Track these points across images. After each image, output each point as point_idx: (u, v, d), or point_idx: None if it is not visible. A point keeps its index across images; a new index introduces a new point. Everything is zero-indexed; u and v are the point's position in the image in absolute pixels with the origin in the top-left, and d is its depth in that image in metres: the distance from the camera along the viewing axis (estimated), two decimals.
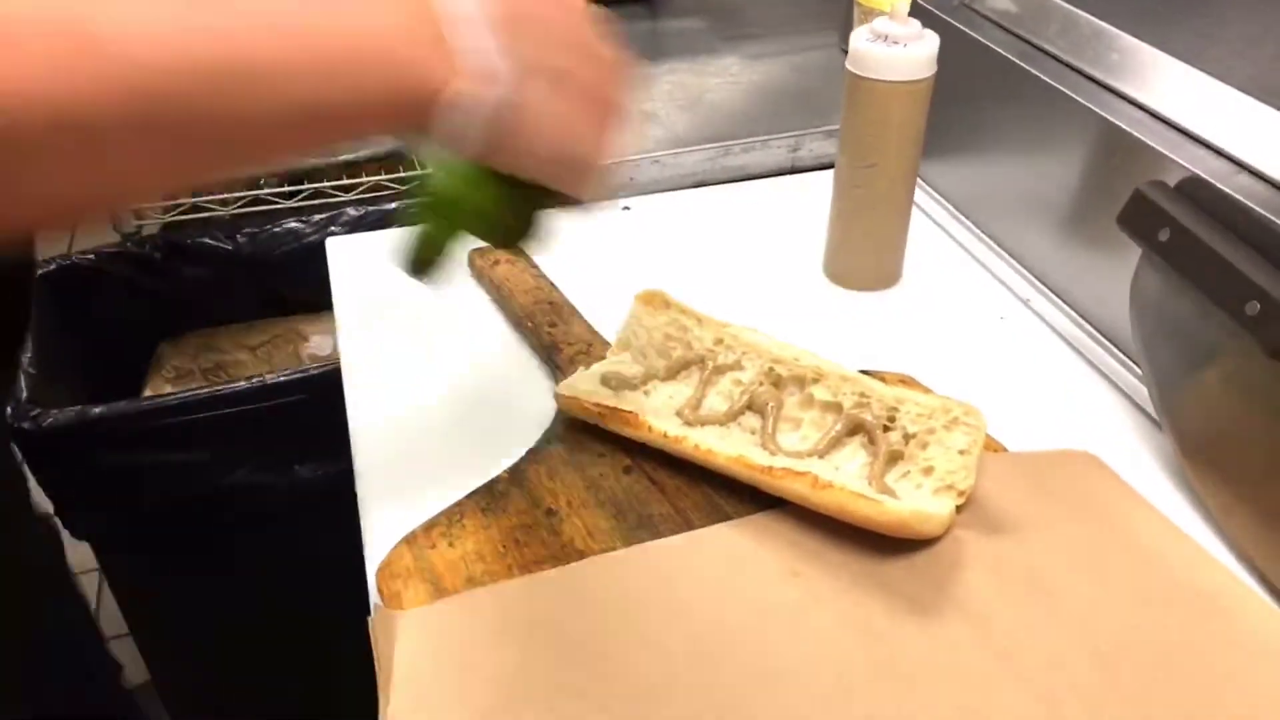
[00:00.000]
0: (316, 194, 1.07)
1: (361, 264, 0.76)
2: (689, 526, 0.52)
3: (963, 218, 0.79)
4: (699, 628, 0.47)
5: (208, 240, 1.02)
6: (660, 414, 0.56)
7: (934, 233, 0.79)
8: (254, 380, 0.84)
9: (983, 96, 0.75)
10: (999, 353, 0.67)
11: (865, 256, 0.72)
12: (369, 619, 0.47)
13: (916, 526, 0.49)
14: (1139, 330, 0.59)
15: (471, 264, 0.73)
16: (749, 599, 0.48)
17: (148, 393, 0.99)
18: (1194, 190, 0.57)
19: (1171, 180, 0.58)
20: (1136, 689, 0.45)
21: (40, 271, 0.96)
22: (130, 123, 0.30)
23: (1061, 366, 0.66)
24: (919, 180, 0.85)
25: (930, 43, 0.64)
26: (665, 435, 0.54)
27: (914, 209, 0.81)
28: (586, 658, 0.46)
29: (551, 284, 0.70)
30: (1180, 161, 0.58)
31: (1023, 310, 0.71)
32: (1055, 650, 0.47)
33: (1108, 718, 0.44)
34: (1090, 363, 0.66)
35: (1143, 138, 0.60)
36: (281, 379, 0.83)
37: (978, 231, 0.77)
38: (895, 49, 0.64)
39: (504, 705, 0.44)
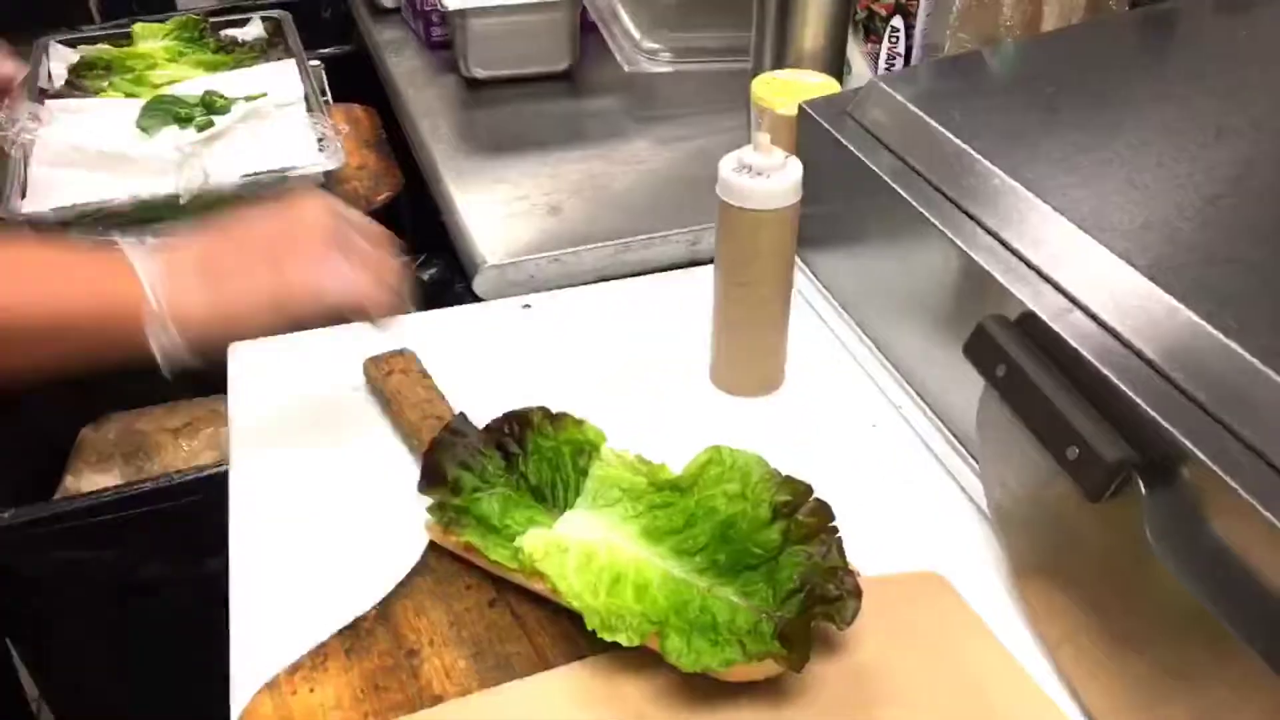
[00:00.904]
0: None
1: (264, 371, 0.78)
2: (545, 665, 0.55)
3: (846, 316, 0.82)
4: None
5: None
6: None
7: (820, 332, 0.82)
8: (161, 479, 0.86)
9: (860, 203, 0.78)
10: (868, 462, 0.70)
11: (745, 366, 0.75)
12: None
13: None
14: (983, 454, 0.62)
15: (366, 373, 0.76)
16: None
17: (69, 479, 1.00)
18: (1030, 327, 0.59)
19: (1012, 314, 0.61)
20: None
21: None
22: None
23: (926, 479, 0.69)
24: (803, 266, 0.88)
25: (793, 171, 0.67)
26: (511, 566, 0.56)
27: (804, 304, 0.84)
28: None
29: (440, 394, 0.72)
30: (1018, 295, 0.60)
31: (896, 417, 0.74)
32: None
33: None
34: (952, 476, 0.69)
35: (988, 268, 0.63)
36: (179, 481, 0.85)
37: (859, 332, 0.80)
38: (759, 180, 0.66)
39: None
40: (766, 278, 0.70)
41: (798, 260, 0.88)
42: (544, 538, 0.56)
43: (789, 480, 0.57)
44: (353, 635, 0.56)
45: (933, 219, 0.68)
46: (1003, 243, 0.65)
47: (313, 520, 0.65)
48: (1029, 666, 0.56)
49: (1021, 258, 0.63)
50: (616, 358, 0.79)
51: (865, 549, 0.61)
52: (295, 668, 0.54)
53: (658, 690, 0.53)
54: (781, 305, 0.72)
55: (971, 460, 0.68)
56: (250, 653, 0.56)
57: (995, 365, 0.59)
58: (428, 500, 0.61)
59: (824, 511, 0.56)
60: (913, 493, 0.68)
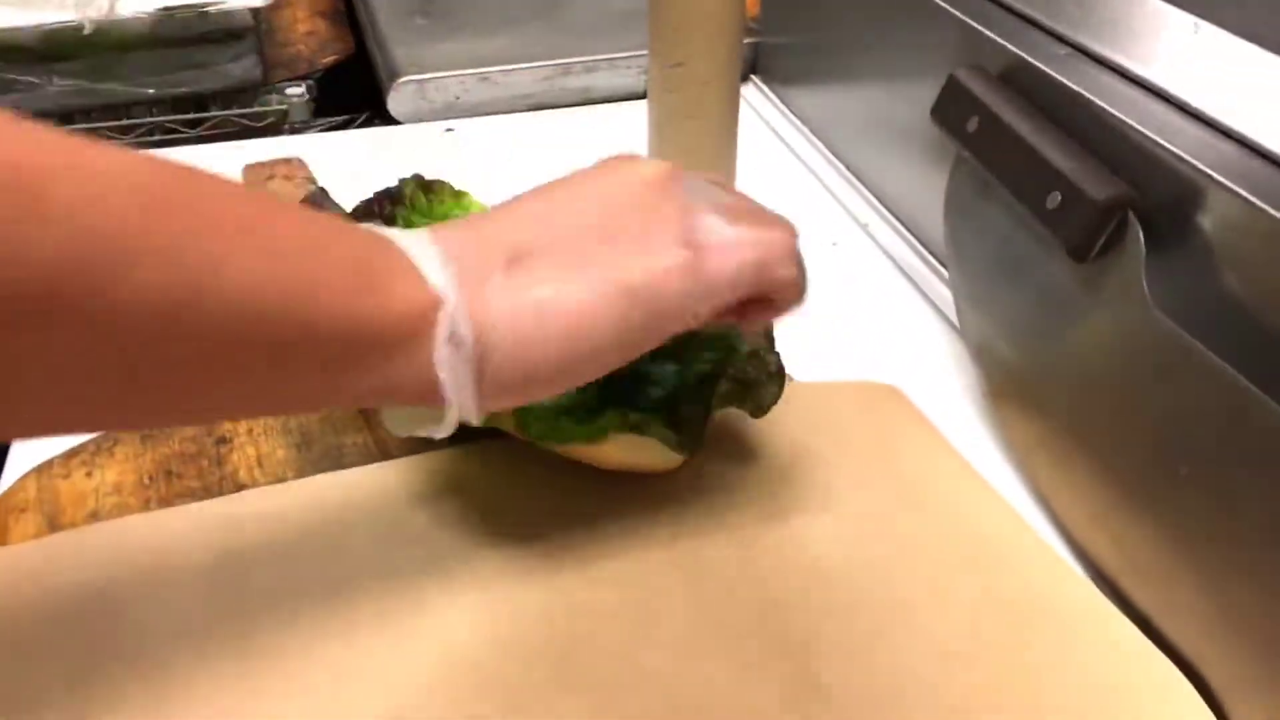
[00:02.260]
0: (224, 122, 0.99)
1: None
2: (385, 459, 0.44)
3: (812, 135, 0.71)
4: (341, 579, 0.39)
5: None
6: None
7: (781, 153, 0.71)
8: None
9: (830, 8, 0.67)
10: (827, 280, 0.58)
11: None
12: None
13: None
14: (950, 243, 0.51)
15: (244, 179, 0.65)
16: (417, 547, 0.40)
17: None
18: (1015, 75, 0.48)
19: (995, 68, 0.49)
20: (886, 652, 0.37)
21: None
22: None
23: (890, 297, 0.57)
24: (769, 93, 0.76)
25: None
26: None
27: (761, 126, 0.73)
28: (198, 612, 0.37)
29: (338, 206, 0.62)
30: (1013, 49, 0.49)
31: (860, 235, 0.62)
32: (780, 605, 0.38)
33: (855, 686, 0.35)
34: (922, 292, 0.57)
35: (973, 23, 0.52)
36: None
37: (825, 150, 0.69)
38: None
39: (78, 665, 0.35)
40: (705, 56, 0.58)
41: (761, 84, 0.77)
42: None
43: None
44: None
45: None
46: (1006, 8, 0.53)
47: None
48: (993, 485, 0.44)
49: (1015, 12, 0.51)
50: (538, 180, 0.68)
51: (819, 365, 0.50)
52: (75, 452, 0.44)
53: (519, 481, 0.42)
54: (725, 94, 0.60)
55: (944, 272, 0.57)
56: (32, 447, 0.46)
57: (967, 120, 0.48)
58: None
59: None
60: (874, 309, 0.56)
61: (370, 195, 0.54)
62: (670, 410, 0.40)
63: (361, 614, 0.37)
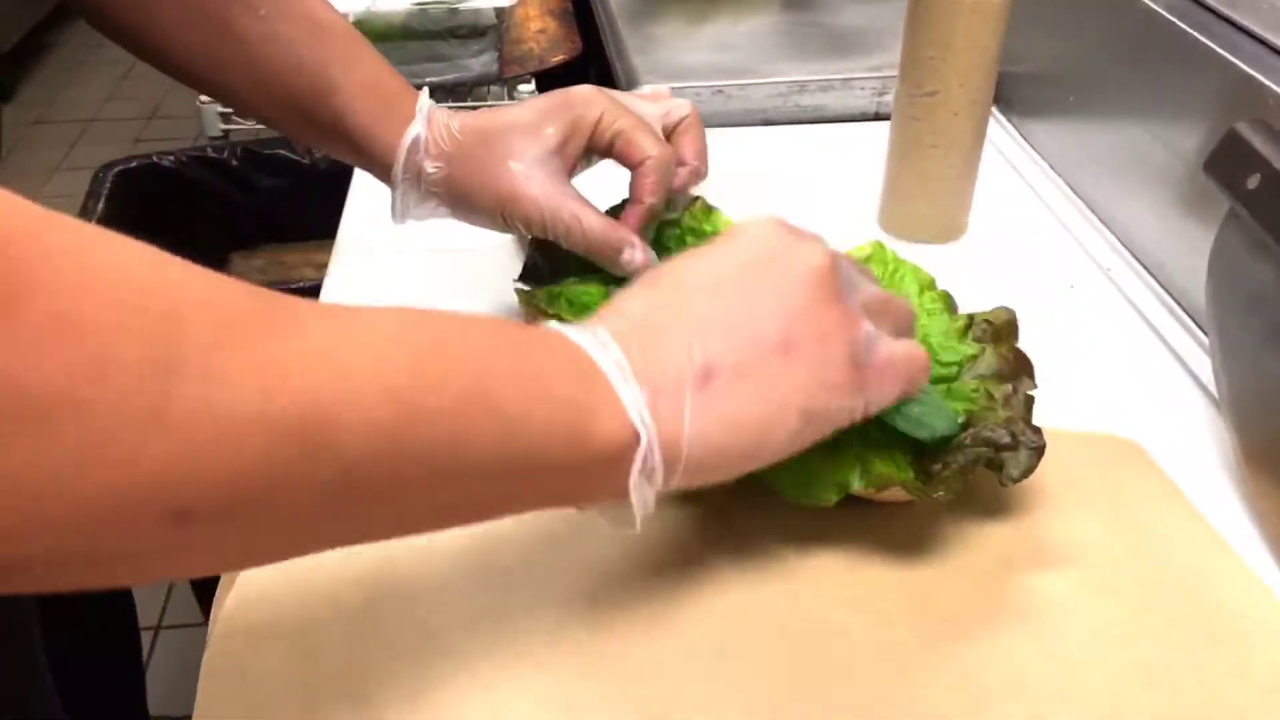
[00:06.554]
0: None
1: None
2: None
3: (1053, 173, 0.69)
4: (587, 570, 0.41)
5: (286, 153, 1.02)
6: None
7: (1017, 186, 0.69)
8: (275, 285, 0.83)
9: (1087, 30, 0.65)
10: (1065, 324, 0.57)
11: (922, 202, 0.63)
12: None
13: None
14: (1212, 302, 0.49)
15: None
16: (658, 547, 0.42)
17: None
18: None
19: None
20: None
21: (119, 168, 0.98)
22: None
23: (1131, 346, 0.56)
24: (1007, 124, 0.75)
25: None
26: None
27: (997, 156, 0.72)
28: (459, 589, 0.40)
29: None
30: None
31: (1101, 280, 0.61)
32: (1037, 671, 0.38)
33: None
34: (1166, 344, 0.55)
35: (1255, 73, 0.50)
36: (296, 286, 0.81)
37: (1067, 189, 0.67)
38: None
39: (364, 609, 0.39)
40: (958, 86, 0.58)
41: (999, 114, 0.76)
42: None
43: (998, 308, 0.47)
44: None
45: (1188, 29, 0.55)
46: (1275, 49, 0.51)
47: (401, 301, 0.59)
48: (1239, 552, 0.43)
49: None
50: (771, 197, 0.70)
51: (1055, 413, 0.49)
52: None
53: (752, 491, 0.44)
54: (974, 125, 0.60)
55: (1195, 328, 0.55)
56: None
57: (1246, 176, 0.46)
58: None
59: (1025, 359, 0.45)
60: (1113, 357, 0.55)
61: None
62: (918, 455, 0.41)
63: (606, 604, 0.39)
